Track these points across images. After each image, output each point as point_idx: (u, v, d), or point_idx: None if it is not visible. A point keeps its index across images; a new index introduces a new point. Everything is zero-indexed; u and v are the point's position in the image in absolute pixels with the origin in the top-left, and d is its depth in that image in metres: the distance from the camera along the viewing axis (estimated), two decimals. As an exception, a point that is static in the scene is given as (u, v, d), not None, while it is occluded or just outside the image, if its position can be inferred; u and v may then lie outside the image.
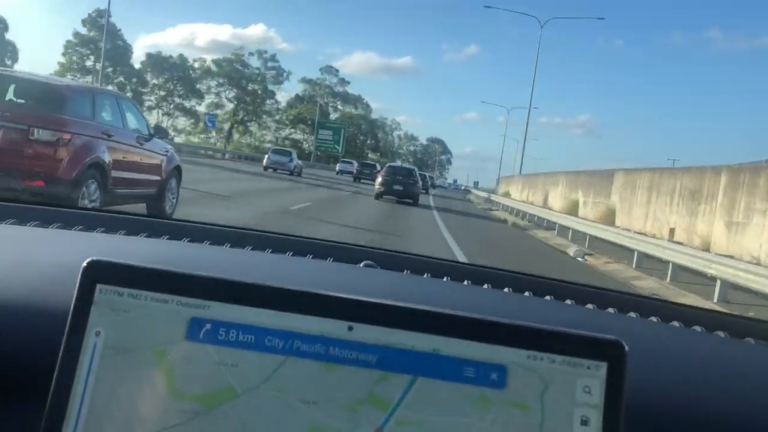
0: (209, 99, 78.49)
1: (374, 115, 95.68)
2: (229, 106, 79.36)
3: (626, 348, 0.46)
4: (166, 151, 8.63)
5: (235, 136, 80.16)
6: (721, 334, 0.88)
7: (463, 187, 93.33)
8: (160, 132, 8.73)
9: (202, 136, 76.25)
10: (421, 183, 24.52)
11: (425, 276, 0.96)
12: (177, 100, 74.30)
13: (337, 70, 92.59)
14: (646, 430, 0.58)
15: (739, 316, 1.05)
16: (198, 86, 76.82)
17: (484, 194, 45.20)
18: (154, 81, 73.93)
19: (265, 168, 30.90)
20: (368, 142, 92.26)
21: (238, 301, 0.48)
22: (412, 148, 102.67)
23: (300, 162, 33.88)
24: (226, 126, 78.65)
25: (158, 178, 8.28)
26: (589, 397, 0.45)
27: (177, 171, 8.90)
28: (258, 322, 0.48)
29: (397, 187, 21.56)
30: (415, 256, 1.04)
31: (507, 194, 41.50)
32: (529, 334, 0.47)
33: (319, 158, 77.32)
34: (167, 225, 1.06)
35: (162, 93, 73.97)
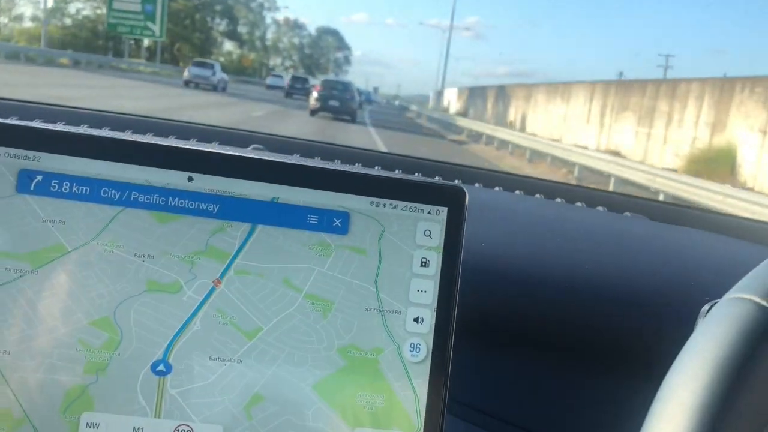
0: None
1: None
2: None
3: (467, 193, 0.46)
4: None
5: None
6: (600, 208, 0.91)
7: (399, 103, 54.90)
8: None
9: None
10: (358, 98, 23.84)
11: (316, 159, 0.94)
12: None
13: None
14: (491, 274, 0.60)
15: (621, 193, 1.08)
16: None
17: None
18: None
19: (186, 83, 27.70)
20: (219, 22, 54.19)
21: (70, 153, 0.45)
22: (296, 40, 69.02)
23: (225, 76, 30.72)
24: None
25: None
26: (430, 240, 0.46)
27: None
28: (93, 174, 0.45)
29: (333, 102, 20.70)
30: (307, 141, 1.02)
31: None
32: (371, 181, 0.46)
33: (251, 73, 50.63)
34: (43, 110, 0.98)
35: None
